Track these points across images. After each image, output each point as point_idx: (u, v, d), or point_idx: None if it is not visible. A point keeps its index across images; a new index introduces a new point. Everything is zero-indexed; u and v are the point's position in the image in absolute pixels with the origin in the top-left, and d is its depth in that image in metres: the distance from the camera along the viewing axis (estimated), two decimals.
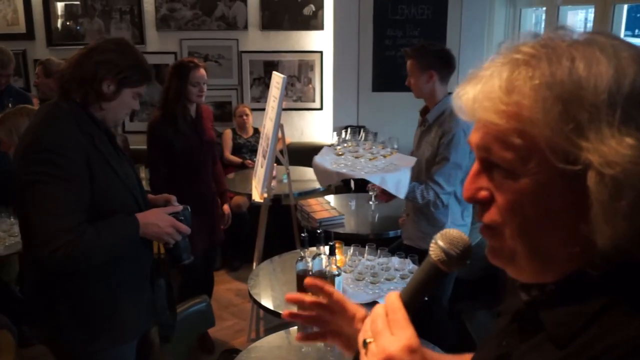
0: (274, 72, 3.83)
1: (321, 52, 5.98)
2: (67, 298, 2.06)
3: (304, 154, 5.06)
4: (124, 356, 2.22)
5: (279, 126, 3.51)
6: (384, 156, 3.29)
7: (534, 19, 5.03)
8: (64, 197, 1.91)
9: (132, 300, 2.17)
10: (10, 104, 4.32)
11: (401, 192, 3.04)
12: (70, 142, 1.96)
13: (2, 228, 3.51)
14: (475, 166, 0.80)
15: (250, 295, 2.90)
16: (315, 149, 3.92)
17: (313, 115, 6.13)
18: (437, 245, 0.85)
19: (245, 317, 4.33)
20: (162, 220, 2.11)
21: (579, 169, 0.69)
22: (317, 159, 3.38)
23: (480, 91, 0.76)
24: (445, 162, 3.04)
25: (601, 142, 0.68)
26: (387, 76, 5.67)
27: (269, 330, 4.06)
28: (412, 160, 3.19)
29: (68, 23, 6.10)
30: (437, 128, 3.11)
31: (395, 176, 3.06)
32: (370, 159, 3.26)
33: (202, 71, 3.54)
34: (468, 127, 2.95)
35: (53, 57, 5.56)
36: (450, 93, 3.08)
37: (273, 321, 3.83)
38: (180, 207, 2.20)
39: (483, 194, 0.79)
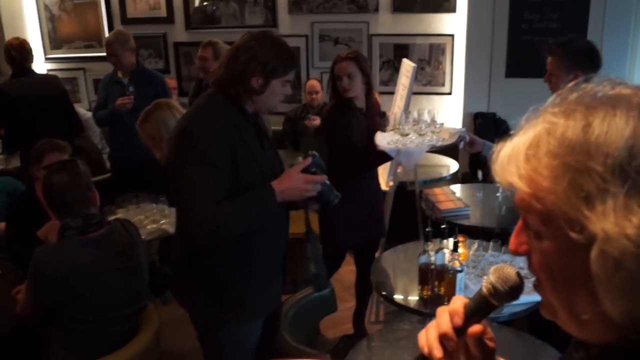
0: (404, 60, 3.79)
1: (452, 36, 5.81)
2: (205, 273, 2.25)
3: None
4: (251, 332, 2.36)
5: (407, 114, 3.49)
6: (433, 132, 3.44)
7: None
8: (206, 179, 2.05)
9: (265, 278, 2.31)
10: (132, 89, 4.48)
11: (410, 165, 3.44)
12: (217, 134, 2.10)
13: (145, 213, 3.69)
14: (519, 221, 0.81)
15: (372, 283, 2.95)
16: None
17: (442, 100, 6.00)
18: (489, 279, 0.90)
19: None
20: (296, 181, 2.17)
21: (586, 240, 0.67)
22: (379, 135, 3.49)
23: (507, 155, 0.77)
24: None
25: (604, 216, 0.65)
26: (522, 62, 5.42)
27: (389, 314, 4.11)
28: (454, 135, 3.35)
29: (205, 4, 6.36)
30: None
31: (408, 150, 3.34)
32: (420, 135, 3.42)
33: (344, 64, 3.39)
34: None
35: (193, 40, 5.85)
36: None
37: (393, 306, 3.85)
38: (308, 160, 2.21)
39: (523, 248, 0.80)
